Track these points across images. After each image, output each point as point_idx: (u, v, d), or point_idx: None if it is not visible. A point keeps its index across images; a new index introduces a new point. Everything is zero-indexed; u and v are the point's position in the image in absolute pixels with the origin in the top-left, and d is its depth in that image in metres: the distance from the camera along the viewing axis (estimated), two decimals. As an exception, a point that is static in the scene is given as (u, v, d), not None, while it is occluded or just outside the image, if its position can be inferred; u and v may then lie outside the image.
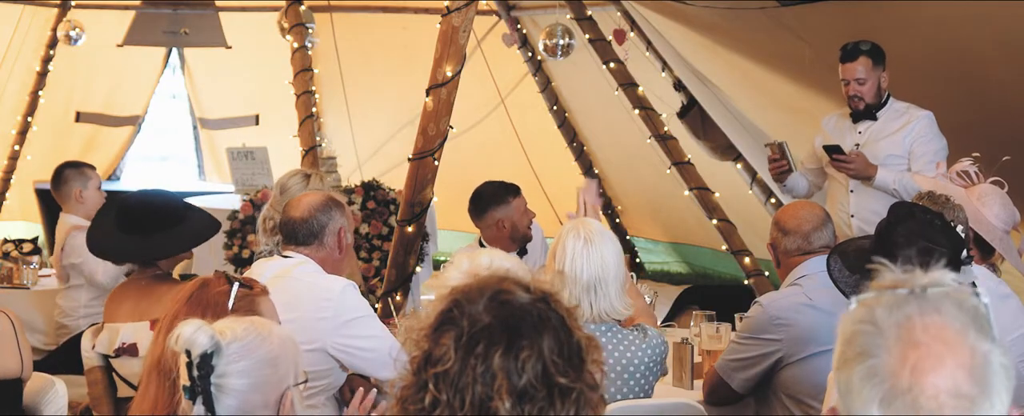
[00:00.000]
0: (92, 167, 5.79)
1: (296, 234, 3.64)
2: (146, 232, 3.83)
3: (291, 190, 4.77)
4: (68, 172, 5.66)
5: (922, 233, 3.07)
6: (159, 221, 3.84)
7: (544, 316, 1.72)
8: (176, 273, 5.64)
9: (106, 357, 3.77)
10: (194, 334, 1.97)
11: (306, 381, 2.15)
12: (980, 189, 4.13)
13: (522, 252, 4.88)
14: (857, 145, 4.99)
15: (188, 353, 1.97)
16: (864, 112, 4.98)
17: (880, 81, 4.92)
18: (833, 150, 4.86)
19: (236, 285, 2.49)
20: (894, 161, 4.89)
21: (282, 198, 4.75)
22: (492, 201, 4.88)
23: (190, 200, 8.38)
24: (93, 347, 3.78)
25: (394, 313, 4.55)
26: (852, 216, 5.01)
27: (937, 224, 3.14)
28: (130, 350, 3.68)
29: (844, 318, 1.42)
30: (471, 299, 1.72)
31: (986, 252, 3.98)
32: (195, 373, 1.97)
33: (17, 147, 9.54)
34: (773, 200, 7.56)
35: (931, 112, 4.91)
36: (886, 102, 4.99)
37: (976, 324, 1.38)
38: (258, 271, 3.67)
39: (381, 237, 7.02)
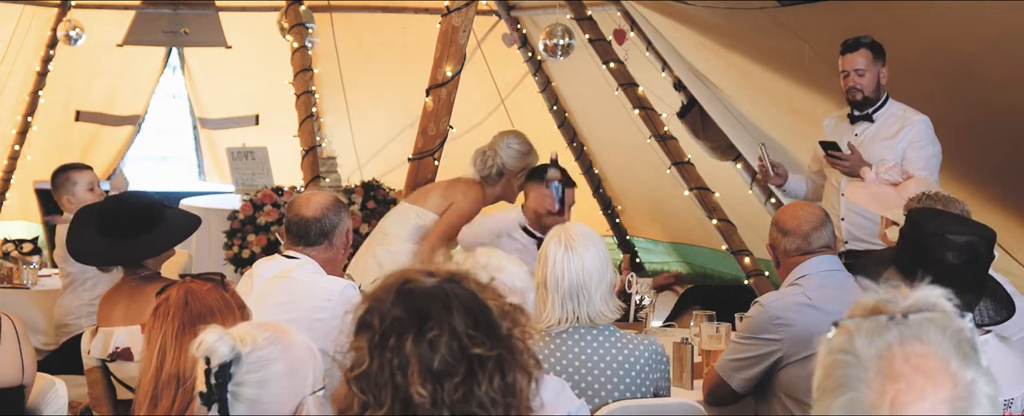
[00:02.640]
0: (82, 168, 5.74)
1: (307, 233, 3.62)
2: (129, 234, 3.83)
3: (519, 148, 5.23)
4: (57, 179, 5.66)
5: (955, 229, 2.98)
6: (140, 222, 3.84)
7: (451, 294, 1.70)
8: (175, 274, 5.64)
9: (102, 360, 3.77)
10: (215, 343, 1.98)
11: (324, 388, 2.15)
12: (905, 184, 4.17)
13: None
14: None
15: (207, 360, 1.98)
16: (862, 112, 4.98)
17: (879, 77, 4.92)
18: (829, 146, 4.87)
19: (222, 279, 2.53)
20: None
21: (508, 150, 4.99)
22: (534, 175, 5.06)
23: (190, 200, 8.43)
24: (88, 352, 3.78)
25: None
26: (842, 219, 5.01)
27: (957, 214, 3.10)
28: (124, 354, 3.68)
29: (824, 344, 1.39)
30: (381, 298, 1.72)
31: None
32: (213, 381, 1.98)
33: (17, 147, 9.53)
34: (773, 200, 7.56)
35: (927, 117, 4.90)
36: (884, 103, 4.99)
37: (959, 351, 1.34)
38: (258, 271, 3.68)
39: (381, 237, 7.02)
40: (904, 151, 4.87)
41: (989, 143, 5.38)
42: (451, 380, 1.64)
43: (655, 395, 3.31)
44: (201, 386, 2.00)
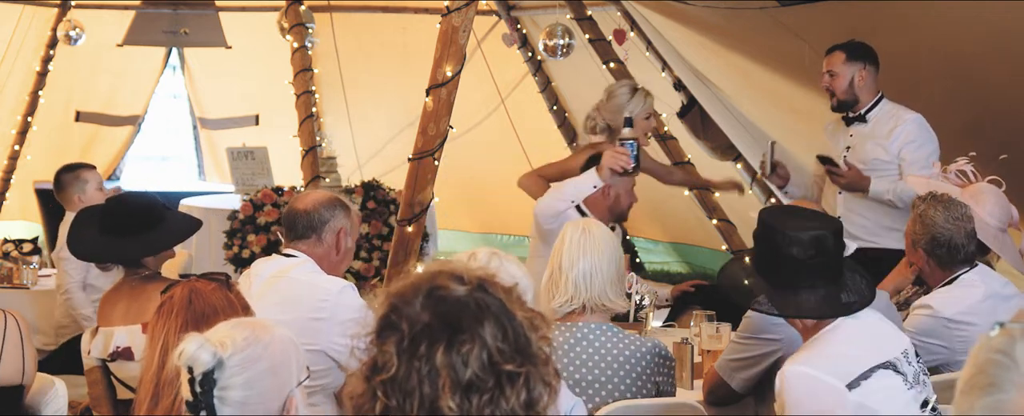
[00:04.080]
0: (90, 167, 5.77)
1: (296, 225, 3.65)
2: (130, 233, 3.84)
3: (618, 99, 5.16)
4: (65, 178, 5.64)
5: (798, 224, 2.95)
6: (141, 221, 3.85)
7: (482, 304, 1.71)
8: (175, 274, 5.64)
9: (103, 360, 3.77)
10: (197, 352, 1.97)
11: (309, 377, 2.15)
12: (975, 187, 4.12)
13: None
14: (848, 148, 5.00)
15: (190, 370, 1.98)
16: (850, 108, 4.97)
17: (854, 78, 4.91)
18: (826, 161, 4.88)
19: (226, 279, 2.53)
20: (880, 165, 4.88)
21: (608, 104, 4.86)
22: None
23: (190, 200, 8.42)
24: (89, 352, 3.78)
25: None
26: (839, 217, 5.00)
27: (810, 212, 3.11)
28: (124, 354, 3.69)
29: (982, 341, 1.37)
30: (407, 300, 1.71)
31: (981, 251, 3.98)
32: (197, 389, 1.98)
33: (17, 147, 9.54)
34: (773, 200, 7.56)
35: (920, 115, 4.89)
36: (877, 103, 4.98)
37: None
38: (257, 270, 3.68)
39: (381, 237, 7.02)
40: (900, 150, 4.86)
41: (989, 143, 5.38)
42: (480, 395, 1.65)
43: (658, 394, 3.32)
44: (187, 395, 2.00)
